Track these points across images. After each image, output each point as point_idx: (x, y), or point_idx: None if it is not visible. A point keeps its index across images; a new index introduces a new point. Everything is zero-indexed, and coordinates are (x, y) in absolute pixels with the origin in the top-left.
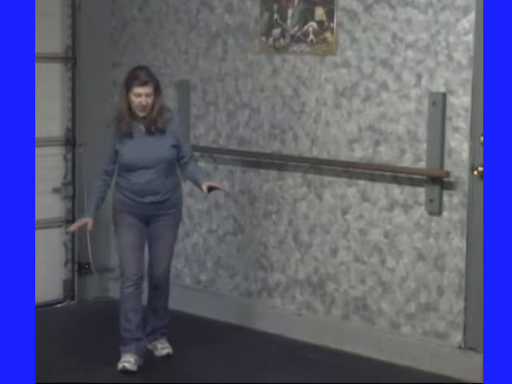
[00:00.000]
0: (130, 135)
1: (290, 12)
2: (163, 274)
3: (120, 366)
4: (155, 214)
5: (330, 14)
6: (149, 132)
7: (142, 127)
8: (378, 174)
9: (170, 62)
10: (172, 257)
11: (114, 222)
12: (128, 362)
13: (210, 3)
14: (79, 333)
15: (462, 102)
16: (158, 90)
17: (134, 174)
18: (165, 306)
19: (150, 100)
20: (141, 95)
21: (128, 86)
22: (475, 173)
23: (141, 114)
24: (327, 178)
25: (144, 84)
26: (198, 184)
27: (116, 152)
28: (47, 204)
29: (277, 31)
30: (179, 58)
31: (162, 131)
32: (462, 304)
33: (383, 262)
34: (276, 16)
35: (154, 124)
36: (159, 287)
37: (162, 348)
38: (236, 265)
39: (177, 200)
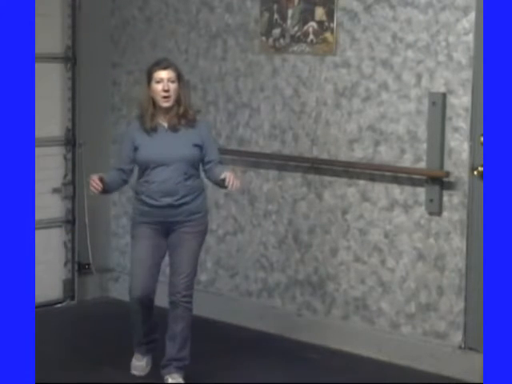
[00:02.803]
0: (153, 130)
1: (290, 12)
2: (181, 290)
3: (132, 366)
4: (174, 222)
5: (330, 14)
6: (172, 128)
7: (164, 124)
8: (377, 174)
9: None
10: (195, 271)
11: (131, 234)
12: (139, 366)
13: (210, 3)
14: (79, 333)
15: (461, 102)
16: (181, 81)
17: (151, 172)
18: (183, 332)
19: (173, 86)
20: (162, 80)
21: (149, 75)
22: (475, 173)
23: (164, 104)
24: (327, 178)
25: (165, 68)
26: (219, 180)
27: (135, 149)
28: (47, 204)
29: (277, 31)
30: (179, 58)
31: (191, 125)
32: (462, 304)
33: (383, 262)
34: (276, 16)
35: (185, 117)
36: (177, 306)
37: None
38: (236, 265)
39: (198, 206)
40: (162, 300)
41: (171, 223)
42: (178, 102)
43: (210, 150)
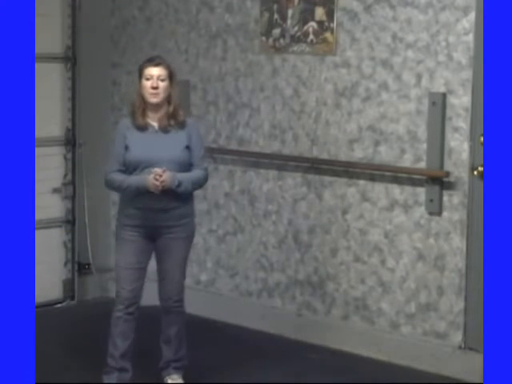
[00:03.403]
0: (143, 129)
1: (290, 12)
2: (173, 295)
3: None
4: (162, 226)
5: (330, 14)
6: (162, 129)
7: (154, 124)
8: (377, 174)
9: (170, 62)
10: (184, 276)
11: (116, 237)
12: None
13: (210, 3)
14: (79, 333)
15: (461, 102)
16: (173, 80)
17: (140, 173)
18: (178, 335)
19: (162, 85)
20: (152, 77)
21: (140, 71)
22: (475, 173)
23: (152, 100)
24: (327, 178)
25: (156, 65)
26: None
27: (125, 148)
28: (47, 204)
29: (277, 31)
30: (179, 58)
31: (181, 126)
32: (461, 304)
33: (383, 262)
34: (276, 16)
35: (174, 117)
36: (170, 311)
37: None
38: (236, 265)
39: (187, 210)
40: (149, 298)
41: (159, 227)
42: (168, 101)
43: (193, 153)
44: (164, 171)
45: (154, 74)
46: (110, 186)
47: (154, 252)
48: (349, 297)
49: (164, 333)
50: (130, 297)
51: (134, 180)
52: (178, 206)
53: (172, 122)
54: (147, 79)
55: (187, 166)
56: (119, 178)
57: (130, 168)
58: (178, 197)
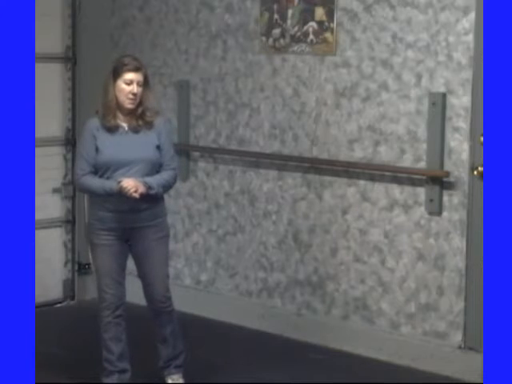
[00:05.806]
0: (113, 130)
1: (290, 12)
2: (161, 297)
3: None
4: (136, 227)
5: (330, 14)
6: (132, 129)
7: (124, 125)
8: (377, 174)
9: (170, 62)
10: (168, 275)
11: (90, 241)
12: None
13: (210, 3)
14: (79, 333)
15: (461, 102)
16: (147, 83)
17: (112, 174)
18: (173, 333)
19: (140, 90)
20: (132, 82)
21: (117, 74)
22: (475, 173)
23: (129, 106)
24: (327, 178)
25: (136, 70)
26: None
27: (96, 150)
28: (47, 204)
29: (277, 31)
30: (179, 58)
31: (149, 126)
32: (462, 304)
33: (383, 262)
34: (276, 16)
35: (142, 118)
36: (161, 313)
37: None
38: (236, 265)
39: (160, 210)
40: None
41: (132, 229)
42: (140, 102)
43: (163, 153)
44: (134, 185)
45: (135, 79)
46: (85, 189)
47: (131, 256)
48: (349, 297)
49: (159, 333)
50: (115, 301)
51: (114, 185)
52: (149, 207)
53: (140, 123)
54: (127, 84)
55: (158, 166)
56: (96, 183)
57: (101, 169)
58: (149, 197)
